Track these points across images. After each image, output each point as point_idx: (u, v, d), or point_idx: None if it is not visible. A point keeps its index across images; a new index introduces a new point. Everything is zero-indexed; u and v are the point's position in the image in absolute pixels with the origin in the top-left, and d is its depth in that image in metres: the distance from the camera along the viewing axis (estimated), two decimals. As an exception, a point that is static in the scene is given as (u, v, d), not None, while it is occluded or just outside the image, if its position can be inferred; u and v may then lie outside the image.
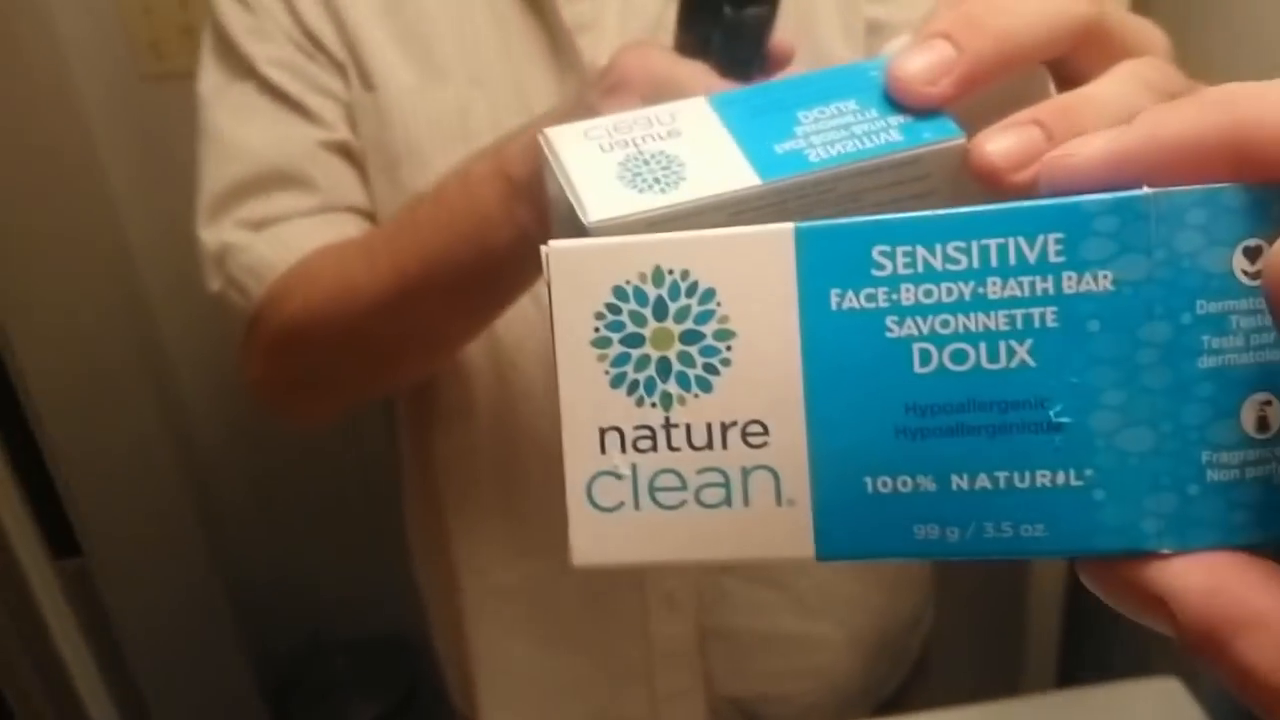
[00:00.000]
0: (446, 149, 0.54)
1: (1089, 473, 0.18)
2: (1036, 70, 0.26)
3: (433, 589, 0.69)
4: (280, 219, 0.55)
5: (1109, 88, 0.24)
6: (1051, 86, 0.26)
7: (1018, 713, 0.59)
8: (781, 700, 0.66)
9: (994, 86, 0.24)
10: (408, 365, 0.56)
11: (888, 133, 0.25)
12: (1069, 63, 0.26)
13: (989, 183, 0.23)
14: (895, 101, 0.25)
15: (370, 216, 0.57)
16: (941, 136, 0.25)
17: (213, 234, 0.56)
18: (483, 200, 0.43)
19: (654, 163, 0.25)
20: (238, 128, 0.56)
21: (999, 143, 0.23)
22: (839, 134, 0.25)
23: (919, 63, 0.24)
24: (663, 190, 0.24)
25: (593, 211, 0.24)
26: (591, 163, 0.25)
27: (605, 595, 0.63)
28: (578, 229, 0.24)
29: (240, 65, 0.56)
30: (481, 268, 0.45)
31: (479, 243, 0.44)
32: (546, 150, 0.25)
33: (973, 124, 0.24)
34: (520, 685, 0.66)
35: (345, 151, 0.57)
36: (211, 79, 0.58)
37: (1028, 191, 0.21)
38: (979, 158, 0.23)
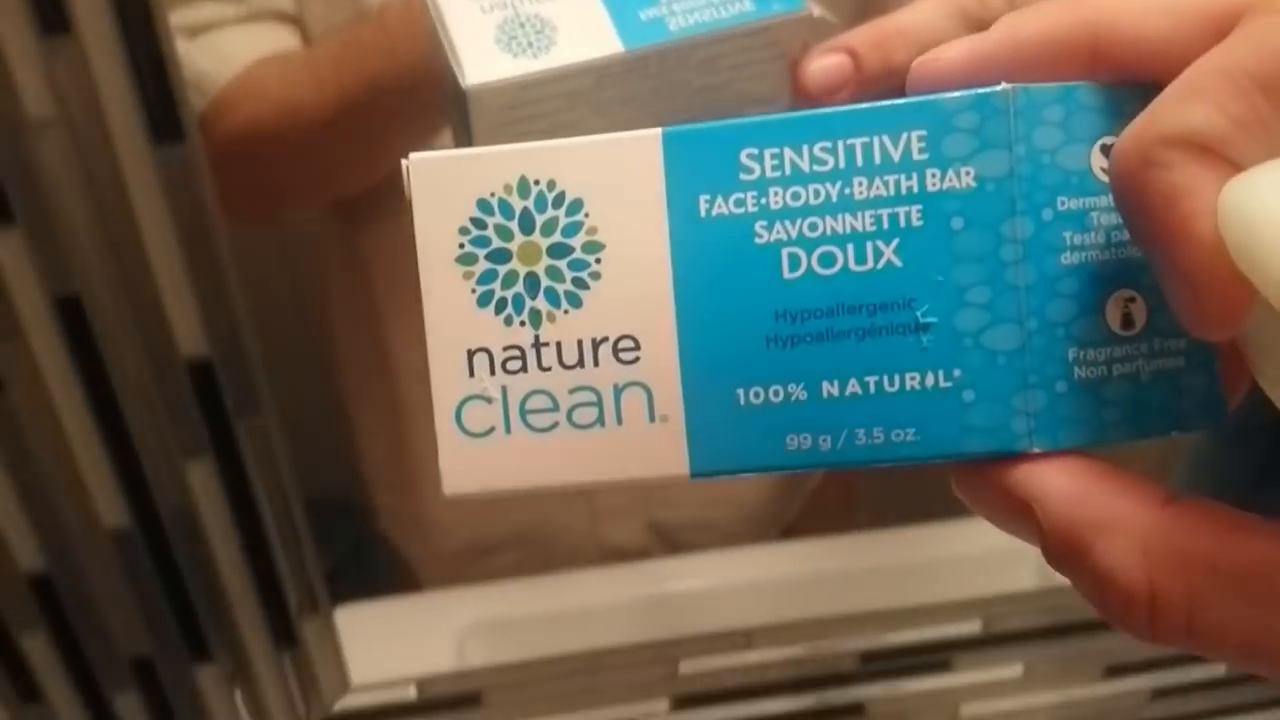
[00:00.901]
0: None
1: (957, 373, 0.18)
2: None
3: (373, 408, 0.68)
4: (210, 26, 0.54)
5: (920, 15, 0.26)
6: None
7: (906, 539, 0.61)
8: (708, 527, 0.68)
9: None
10: (352, 180, 0.56)
11: (741, 3, 0.26)
12: None
13: (813, 102, 0.24)
14: None
15: (298, 22, 0.56)
16: (789, 9, 0.26)
17: None
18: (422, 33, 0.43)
19: (529, 26, 0.26)
20: None
21: (814, 67, 0.25)
22: (698, 3, 0.26)
23: None
24: (534, 55, 0.25)
25: (470, 75, 0.25)
26: (472, 23, 0.26)
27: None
28: (457, 91, 0.25)
29: None
30: (427, 95, 0.43)
31: (422, 71, 0.43)
32: (431, 8, 0.27)
33: None
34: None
35: None
36: None
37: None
38: (800, 79, 0.25)
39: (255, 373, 0.40)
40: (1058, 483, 0.17)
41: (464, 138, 0.28)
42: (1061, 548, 0.17)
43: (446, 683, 0.49)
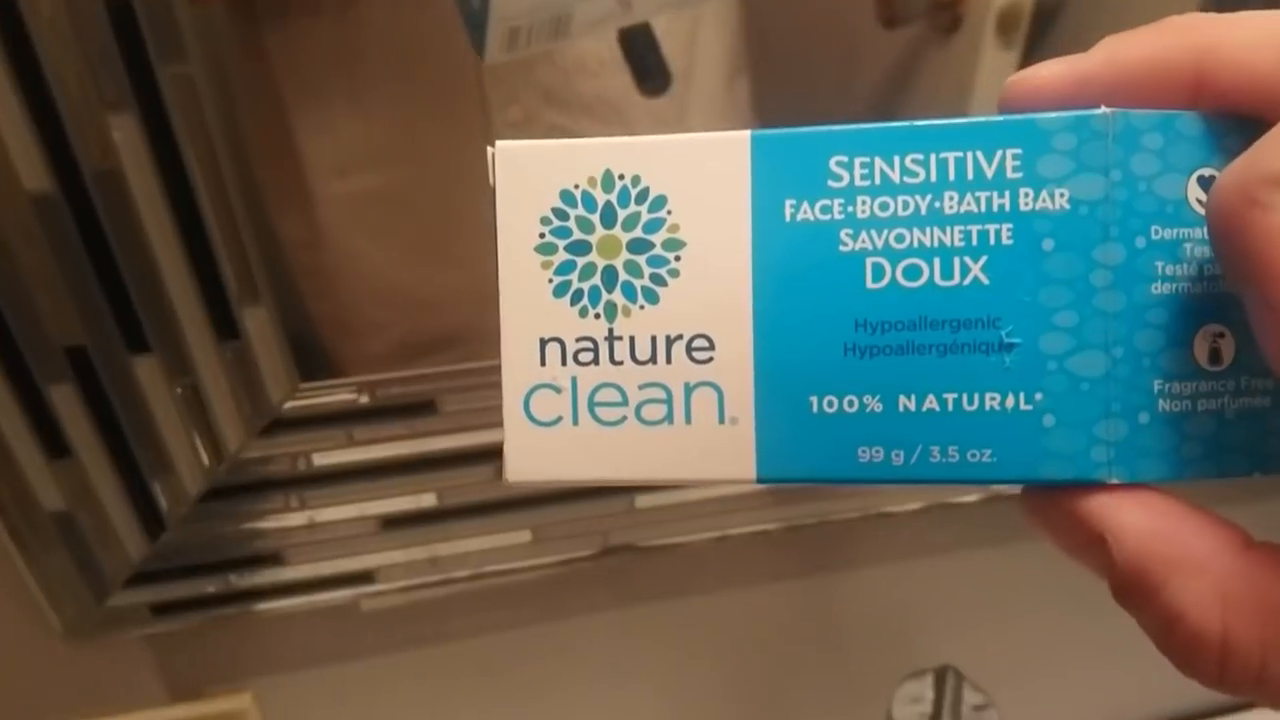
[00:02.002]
0: None
1: (1039, 397, 0.18)
2: None
3: (286, 210, 0.65)
4: None
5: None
6: None
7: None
8: None
9: None
10: None
11: None
12: None
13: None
14: None
15: None
16: None
17: None
18: None
19: None
20: None
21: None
22: None
23: None
24: None
25: None
26: None
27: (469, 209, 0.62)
28: None
29: None
30: None
31: None
32: None
33: None
34: (388, 297, 0.65)
35: None
36: None
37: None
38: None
39: (179, 13, 0.37)
40: (1134, 516, 0.17)
41: None
42: (1133, 583, 0.17)
43: (399, 385, 0.49)
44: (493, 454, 0.50)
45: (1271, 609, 0.16)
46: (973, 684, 0.57)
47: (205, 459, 0.47)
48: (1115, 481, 0.18)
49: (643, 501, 0.54)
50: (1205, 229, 0.17)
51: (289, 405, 0.47)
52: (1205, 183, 0.17)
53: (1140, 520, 0.17)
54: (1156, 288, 0.18)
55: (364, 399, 0.48)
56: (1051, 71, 0.18)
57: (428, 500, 0.51)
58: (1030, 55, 0.49)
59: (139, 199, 0.40)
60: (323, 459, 0.49)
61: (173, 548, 0.49)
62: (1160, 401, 0.18)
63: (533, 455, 0.19)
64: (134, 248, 0.41)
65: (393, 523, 0.51)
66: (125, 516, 0.47)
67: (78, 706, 0.53)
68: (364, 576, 0.53)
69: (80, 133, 0.38)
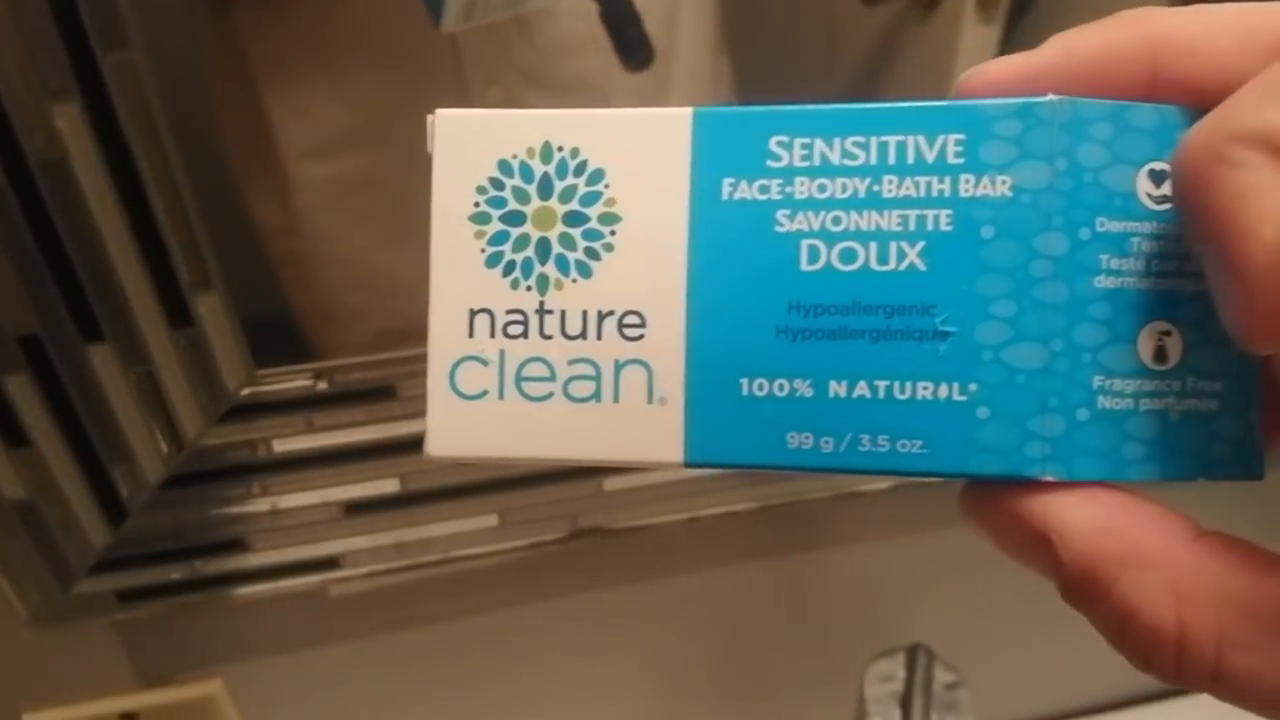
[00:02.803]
0: None
1: (973, 387, 0.17)
2: None
3: (262, 196, 0.64)
4: None
5: None
6: None
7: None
8: None
9: None
10: None
11: None
12: None
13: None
14: None
15: None
16: None
17: None
18: None
19: None
20: None
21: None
22: None
23: None
24: None
25: None
26: None
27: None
28: None
29: None
30: None
31: None
32: None
33: None
34: (367, 283, 0.65)
35: None
36: None
37: None
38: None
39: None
40: (1080, 513, 0.17)
41: None
42: (1082, 582, 0.16)
43: (358, 371, 0.49)
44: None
45: (1225, 600, 0.15)
46: (944, 662, 0.57)
47: (164, 447, 0.47)
48: (1050, 479, 0.17)
49: (611, 484, 0.54)
50: (1155, 223, 0.17)
51: (246, 392, 0.47)
52: (1157, 176, 0.17)
53: (1087, 517, 0.16)
54: (1100, 281, 0.17)
55: (323, 385, 0.48)
56: (1005, 65, 0.18)
57: (390, 486, 0.51)
58: (1010, 31, 0.49)
59: (86, 187, 0.40)
60: (283, 445, 0.49)
61: (136, 535, 0.49)
62: (1100, 398, 0.17)
63: (456, 430, 0.18)
64: (83, 236, 0.41)
65: (356, 508, 0.51)
66: (87, 505, 0.47)
67: (47, 693, 0.53)
68: (330, 562, 0.53)
69: (24, 122, 0.38)
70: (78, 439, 0.45)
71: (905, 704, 0.56)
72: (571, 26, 0.47)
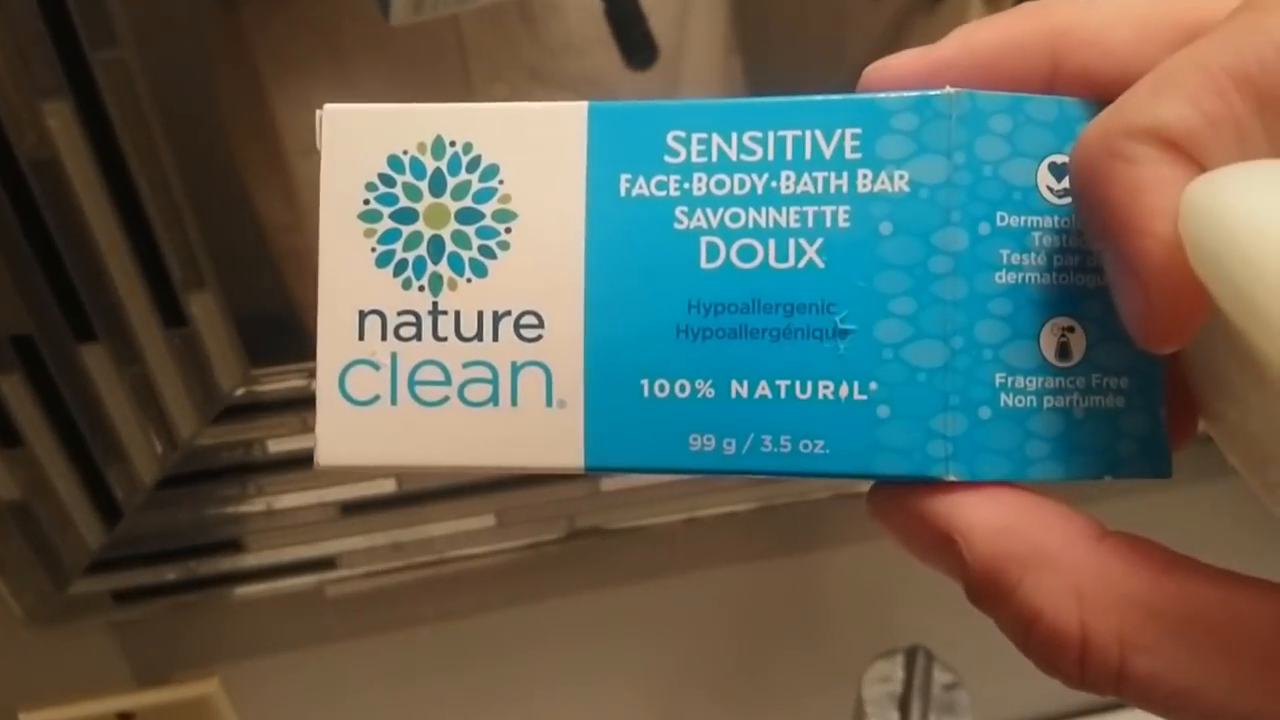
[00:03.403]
0: None
1: (874, 386, 0.17)
2: None
3: (268, 192, 0.64)
4: None
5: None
6: None
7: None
8: None
9: None
10: None
11: None
12: None
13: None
14: None
15: None
16: None
17: None
18: None
19: None
20: None
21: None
22: None
23: None
24: None
25: None
26: None
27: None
28: None
29: None
30: None
31: None
32: None
33: None
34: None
35: None
36: None
37: None
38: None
39: None
40: (983, 514, 0.16)
41: None
42: (986, 584, 0.16)
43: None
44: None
45: (1127, 602, 0.15)
46: (943, 663, 0.56)
47: (158, 447, 0.47)
48: (953, 479, 0.17)
49: (609, 484, 0.54)
50: (1056, 218, 0.17)
51: (241, 392, 0.47)
52: (1058, 170, 0.17)
53: (989, 517, 0.16)
54: (1001, 277, 0.17)
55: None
56: (906, 59, 0.17)
57: (387, 485, 0.51)
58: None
59: (78, 186, 0.40)
60: (278, 445, 0.49)
61: (131, 535, 0.49)
62: (1003, 396, 0.17)
63: (347, 437, 0.18)
64: (75, 235, 0.41)
65: (353, 508, 0.51)
66: (81, 505, 0.47)
67: (44, 693, 0.53)
68: (326, 563, 0.52)
69: (14, 121, 0.38)
70: (71, 439, 0.45)
71: (904, 705, 0.55)
72: (579, 24, 0.47)
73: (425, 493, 0.52)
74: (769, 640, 0.66)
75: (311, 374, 0.47)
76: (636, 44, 0.46)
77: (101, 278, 0.42)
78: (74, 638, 0.53)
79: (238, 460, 0.49)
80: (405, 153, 0.18)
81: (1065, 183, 0.17)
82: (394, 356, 0.18)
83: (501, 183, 0.18)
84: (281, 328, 0.49)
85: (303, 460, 0.49)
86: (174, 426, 0.46)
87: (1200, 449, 0.18)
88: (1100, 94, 0.17)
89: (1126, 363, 0.17)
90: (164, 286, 0.43)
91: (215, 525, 0.50)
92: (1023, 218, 0.17)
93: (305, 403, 0.48)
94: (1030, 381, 0.17)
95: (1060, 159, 0.17)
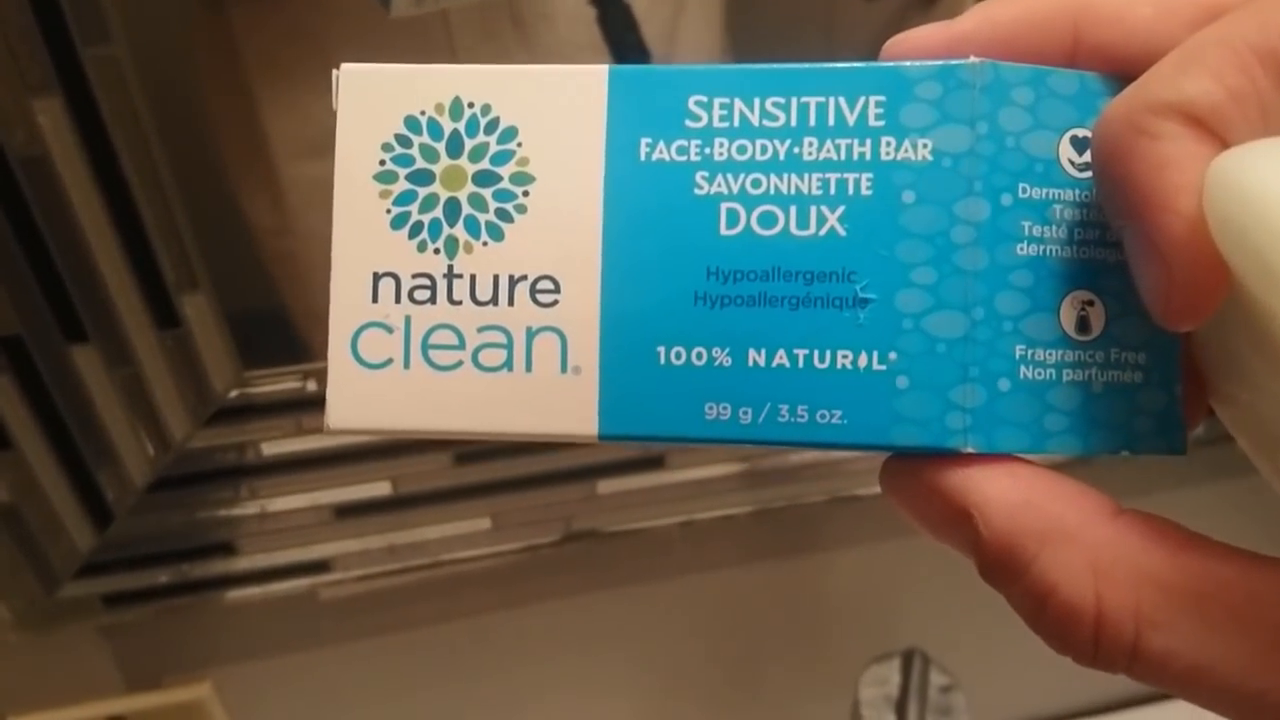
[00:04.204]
0: None
1: (893, 356, 0.17)
2: None
3: (254, 192, 0.64)
4: None
5: None
6: None
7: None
8: None
9: None
10: None
11: None
12: None
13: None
14: None
15: None
16: None
17: None
18: None
19: None
20: None
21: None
22: None
23: None
24: None
25: None
26: None
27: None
28: None
29: None
30: None
31: None
32: None
33: None
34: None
35: None
36: None
37: None
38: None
39: None
40: (1000, 488, 0.16)
41: None
42: (1000, 559, 0.16)
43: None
44: (448, 441, 0.50)
45: (1143, 577, 0.15)
46: (940, 666, 0.56)
47: (150, 449, 0.46)
48: (971, 450, 0.17)
49: (605, 487, 0.54)
50: (1077, 191, 0.17)
51: (234, 394, 0.46)
52: (1079, 143, 0.17)
53: (1006, 492, 0.16)
54: (1022, 248, 0.17)
55: (311, 386, 0.47)
56: (927, 33, 0.17)
57: (382, 489, 0.50)
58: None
59: (69, 185, 0.39)
60: (272, 448, 0.48)
61: (122, 539, 0.48)
62: (1022, 368, 0.17)
63: (358, 401, 0.18)
64: (66, 235, 0.40)
65: (347, 511, 0.51)
66: (71, 508, 0.47)
67: (34, 698, 0.53)
68: (320, 565, 0.52)
69: (4, 117, 0.37)
70: (62, 441, 0.45)
71: (900, 708, 0.55)
72: (569, 30, 0.47)
73: (420, 495, 0.51)
74: (765, 643, 0.66)
75: (305, 376, 0.47)
76: (629, 51, 0.46)
77: (93, 278, 0.41)
78: (64, 642, 0.52)
79: (231, 463, 0.48)
80: (422, 113, 0.17)
81: (1086, 156, 0.17)
82: (407, 320, 0.17)
83: (519, 145, 0.17)
84: (275, 329, 0.48)
85: (296, 462, 0.49)
86: (166, 428, 0.46)
87: (1219, 448, 0.18)
88: (1121, 70, 0.17)
89: (1144, 338, 0.17)
90: (156, 287, 0.42)
91: (208, 528, 0.50)
92: (1044, 190, 0.17)
93: (299, 405, 0.48)
94: (1050, 354, 0.17)
95: (1081, 132, 0.17)
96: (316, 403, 0.48)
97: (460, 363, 0.17)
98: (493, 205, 0.17)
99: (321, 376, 0.47)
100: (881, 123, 0.17)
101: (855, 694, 0.56)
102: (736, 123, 0.17)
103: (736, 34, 0.50)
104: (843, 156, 0.17)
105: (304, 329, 0.63)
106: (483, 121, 0.17)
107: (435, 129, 0.17)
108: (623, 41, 0.45)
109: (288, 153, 0.58)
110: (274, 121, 0.58)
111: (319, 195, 0.55)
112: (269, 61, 0.57)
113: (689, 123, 0.17)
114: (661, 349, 0.17)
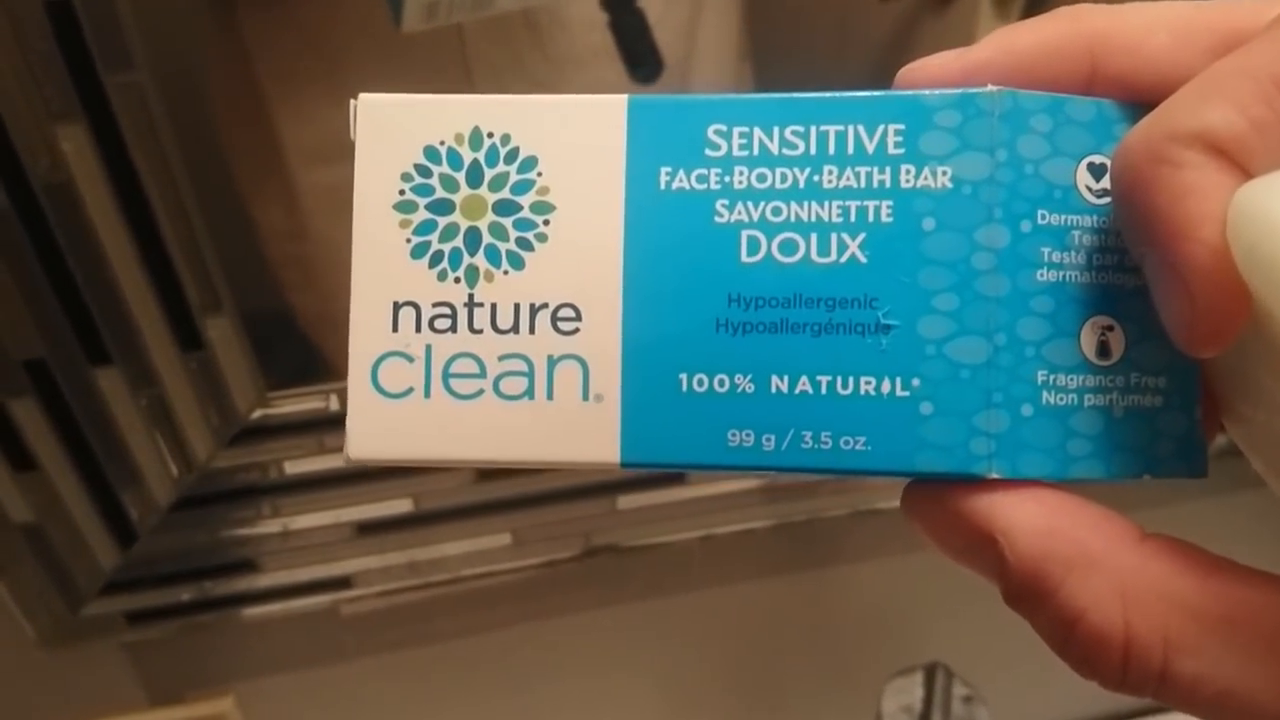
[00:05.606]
0: None
1: (916, 382, 0.17)
2: None
3: (267, 201, 0.64)
4: None
5: None
6: None
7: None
8: None
9: None
10: None
11: None
12: None
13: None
14: None
15: None
16: None
17: None
18: None
19: None
20: None
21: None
22: None
23: None
24: None
25: None
26: None
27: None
28: None
29: None
30: None
31: None
32: None
33: None
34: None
35: None
36: None
37: None
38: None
39: (124, 20, 0.37)
40: (1025, 514, 0.16)
41: None
42: (1027, 584, 0.16)
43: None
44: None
45: (1171, 603, 0.15)
46: (962, 680, 0.56)
47: (174, 469, 0.46)
48: (996, 476, 0.17)
49: (625, 502, 0.54)
50: (1095, 218, 0.17)
51: (257, 414, 0.46)
52: (1096, 170, 0.17)
53: (1032, 517, 0.16)
54: (1042, 274, 0.17)
55: (334, 405, 0.47)
56: (943, 60, 0.17)
57: (403, 505, 0.51)
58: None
59: (92, 210, 0.39)
60: (294, 467, 0.48)
61: (146, 557, 0.49)
62: (1044, 394, 0.17)
63: (379, 431, 0.18)
64: (90, 259, 0.40)
65: (368, 528, 0.51)
66: (95, 527, 0.47)
67: (59, 714, 0.53)
68: (342, 582, 0.52)
69: (28, 145, 0.37)
70: (86, 462, 0.45)
71: (923, 723, 0.55)
72: (584, 37, 0.47)
73: (440, 512, 0.51)
74: (786, 658, 0.66)
75: (327, 396, 0.47)
76: (641, 57, 0.46)
77: (116, 302, 0.41)
78: (88, 659, 0.53)
79: (253, 482, 0.48)
80: (442, 143, 0.18)
81: (1103, 183, 0.17)
82: (428, 349, 0.17)
83: (539, 175, 0.17)
84: (297, 349, 0.48)
85: (319, 481, 0.49)
86: (190, 449, 0.46)
87: (1235, 460, 0.18)
88: (1138, 98, 0.17)
89: (1163, 362, 0.17)
90: (180, 310, 0.43)
91: (230, 546, 0.50)
92: (1063, 216, 0.17)
93: (321, 424, 0.48)
94: (1071, 379, 0.17)
95: (1098, 159, 0.17)
96: (338, 422, 0.48)
97: (481, 391, 0.17)
98: (513, 234, 0.17)
99: (343, 395, 0.47)
100: (901, 150, 0.17)
101: (878, 707, 0.56)
102: (756, 151, 0.17)
103: (753, 33, 0.50)
104: (863, 184, 0.17)
105: (314, 333, 0.63)
106: (503, 151, 0.18)
107: (455, 159, 0.18)
108: (636, 48, 0.45)
109: (302, 159, 0.58)
110: (287, 128, 0.58)
111: (333, 201, 0.56)
112: (282, 71, 0.57)
113: (709, 151, 0.17)
114: (684, 376, 0.17)
